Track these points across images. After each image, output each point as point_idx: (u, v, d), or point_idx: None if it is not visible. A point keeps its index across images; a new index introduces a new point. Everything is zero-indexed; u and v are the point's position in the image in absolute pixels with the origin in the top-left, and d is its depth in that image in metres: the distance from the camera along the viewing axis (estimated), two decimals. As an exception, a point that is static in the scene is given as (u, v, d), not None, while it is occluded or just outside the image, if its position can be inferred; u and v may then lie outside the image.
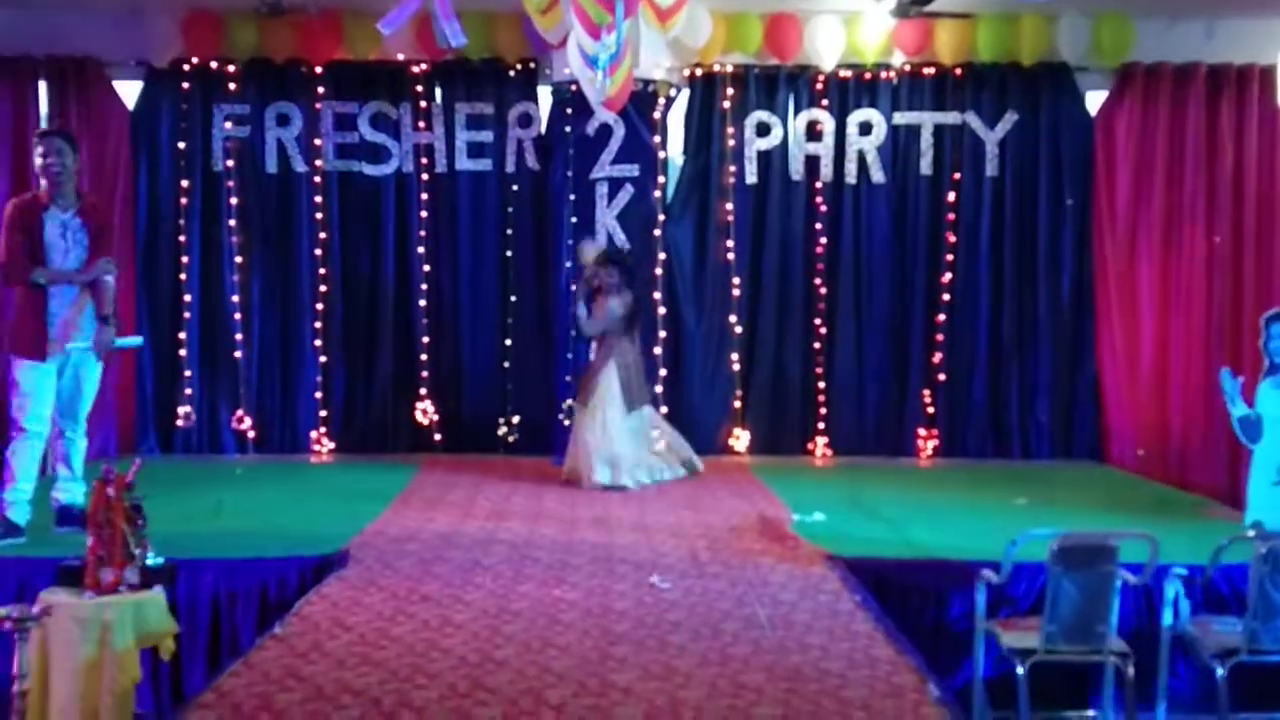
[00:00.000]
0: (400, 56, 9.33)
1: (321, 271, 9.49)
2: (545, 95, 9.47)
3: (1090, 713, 5.75)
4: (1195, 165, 9.31)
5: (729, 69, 9.42)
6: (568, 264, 9.05)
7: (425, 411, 9.53)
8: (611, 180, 9.17)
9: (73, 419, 6.59)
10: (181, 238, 9.40)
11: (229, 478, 8.50)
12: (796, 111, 9.50)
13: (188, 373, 9.41)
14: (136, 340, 7.40)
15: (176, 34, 9.16)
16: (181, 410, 9.39)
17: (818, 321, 9.54)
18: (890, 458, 9.49)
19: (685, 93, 9.51)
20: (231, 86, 9.37)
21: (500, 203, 9.51)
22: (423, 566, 5.91)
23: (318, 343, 9.51)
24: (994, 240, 9.50)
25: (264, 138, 9.43)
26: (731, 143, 9.45)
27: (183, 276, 9.41)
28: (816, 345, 9.56)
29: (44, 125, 9.14)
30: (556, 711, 4.07)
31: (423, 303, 9.52)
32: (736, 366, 9.53)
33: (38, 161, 6.44)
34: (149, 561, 5.13)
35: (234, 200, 9.41)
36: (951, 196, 9.47)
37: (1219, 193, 9.31)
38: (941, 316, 9.50)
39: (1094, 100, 9.49)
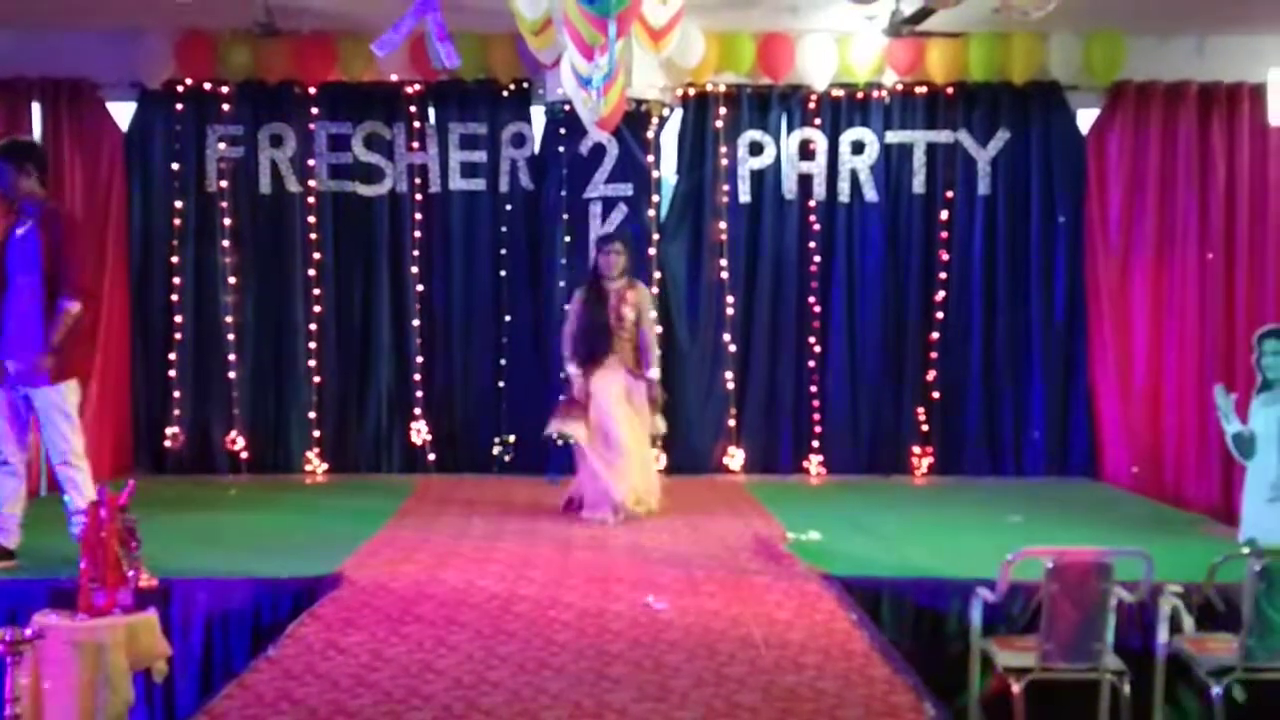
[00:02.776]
0: (394, 77, 9.33)
1: (315, 291, 9.48)
2: (539, 115, 9.48)
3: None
4: (1187, 183, 9.34)
5: (722, 88, 9.44)
6: (561, 283, 9.06)
7: (419, 431, 9.52)
8: (605, 200, 9.20)
9: (50, 450, 6.45)
10: (174, 258, 9.40)
11: (222, 498, 8.48)
12: (789, 131, 9.52)
13: (177, 394, 9.39)
14: None
15: (170, 55, 9.16)
16: (169, 431, 9.36)
17: (812, 340, 9.55)
18: (885, 476, 9.48)
19: (678, 112, 9.53)
20: (225, 107, 9.38)
21: (494, 222, 9.51)
22: (417, 587, 5.89)
23: (311, 363, 9.49)
24: (987, 258, 9.51)
25: (258, 158, 9.43)
26: (724, 162, 9.47)
27: (175, 297, 9.40)
28: (810, 364, 9.56)
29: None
30: (552, 732, 4.06)
31: (416, 322, 9.51)
32: (730, 385, 9.53)
33: None
34: (142, 583, 5.11)
35: (227, 221, 9.41)
36: (944, 215, 9.50)
37: (1211, 210, 9.34)
38: (935, 334, 9.52)
39: (1085, 118, 9.52)
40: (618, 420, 7.64)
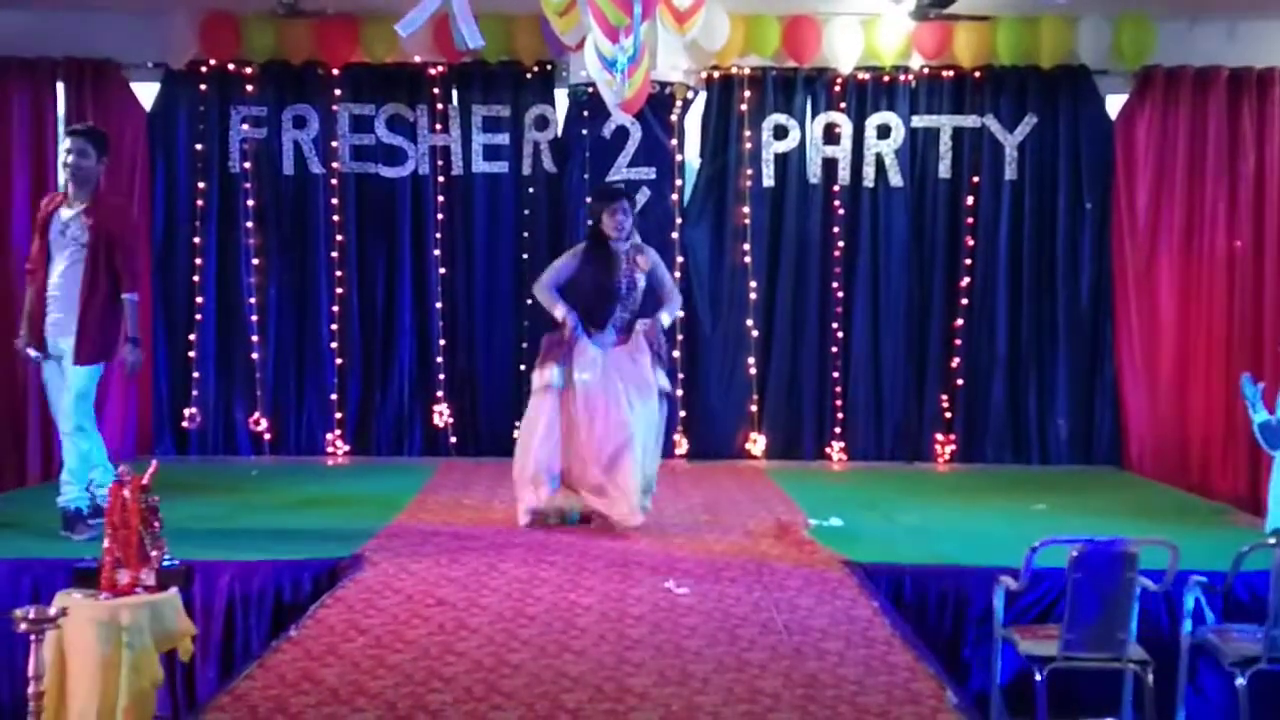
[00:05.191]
0: (417, 59, 9.33)
1: (338, 273, 9.49)
2: (562, 98, 9.46)
3: (1109, 721, 5.72)
4: (1216, 169, 9.24)
5: (746, 71, 9.39)
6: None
7: (441, 414, 9.53)
8: (628, 183, 9.13)
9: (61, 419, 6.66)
10: (197, 239, 9.42)
11: (244, 479, 8.50)
12: (814, 114, 9.46)
13: (197, 374, 9.42)
14: None
15: (194, 36, 9.17)
16: (188, 412, 9.40)
17: (835, 325, 9.50)
18: (907, 463, 9.45)
19: (702, 95, 9.49)
20: (248, 88, 9.38)
21: (516, 205, 9.50)
22: (438, 570, 5.90)
23: (334, 344, 9.51)
24: (1012, 244, 9.44)
25: (281, 139, 9.44)
26: (749, 145, 9.42)
27: (198, 278, 9.42)
28: (834, 349, 9.51)
29: (64, 125, 9.18)
30: (572, 716, 4.05)
31: (439, 305, 9.51)
32: (753, 370, 9.50)
33: (61, 158, 6.53)
34: (165, 563, 5.13)
35: (250, 202, 9.43)
36: (970, 200, 9.43)
37: (1240, 197, 9.24)
38: (959, 320, 9.46)
39: (1114, 103, 9.43)
40: (610, 405, 6.78)
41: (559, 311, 6.88)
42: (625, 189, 7.59)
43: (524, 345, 9.45)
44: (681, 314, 9.22)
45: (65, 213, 6.48)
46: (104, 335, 6.53)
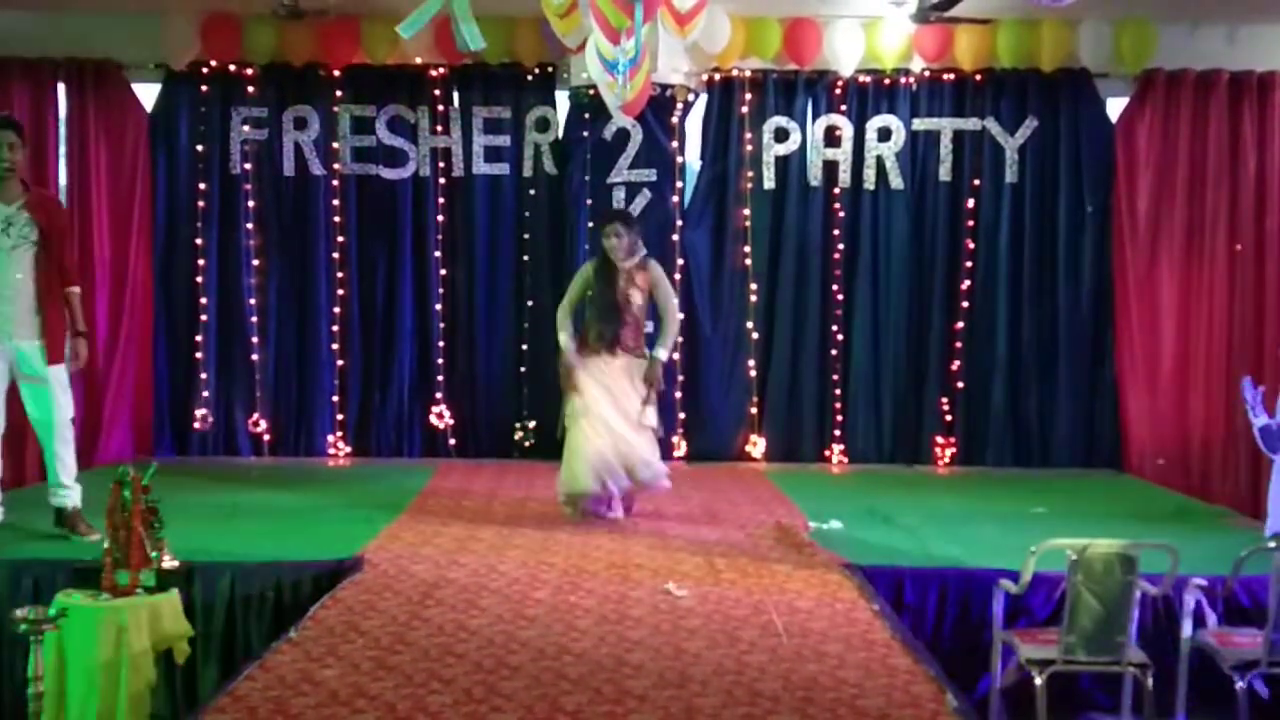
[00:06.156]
0: (418, 60, 9.33)
1: (338, 275, 9.50)
2: (563, 99, 9.46)
3: (1108, 723, 5.72)
4: (1217, 173, 9.23)
5: (747, 74, 9.39)
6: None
7: (441, 415, 9.53)
8: (629, 185, 9.18)
9: (51, 423, 6.53)
10: (199, 240, 9.42)
11: (244, 480, 8.50)
12: (815, 117, 9.46)
13: (204, 375, 9.43)
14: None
15: (195, 37, 9.17)
16: (199, 413, 9.41)
17: (835, 328, 9.49)
18: (907, 465, 9.45)
19: (703, 98, 9.49)
20: (250, 89, 9.38)
21: (517, 207, 9.50)
22: (438, 571, 5.90)
23: (334, 346, 9.52)
24: (1013, 247, 9.43)
25: (282, 141, 9.43)
26: (749, 148, 9.42)
27: (199, 279, 9.43)
28: (834, 352, 9.51)
29: (64, 125, 9.18)
30: (571, 717, 4.05)
31: (439, 306, 9.51)
32: (753, 373, 9.50)
33: None
34: (165, 564, 5.13)
35: (251, 203, 9.43)
36: (971, 203, 9.42)
37: (1241, 201, 9.23)
38: (960, 323, 9.45)
39: (1115, 107, 9.42)
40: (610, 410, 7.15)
41: (563, 339, 7.26)
42: (622, 212, 7.91)
43: (524, 347, 9.47)
44: (681, 315, 9.25)
45: (3, 208, 6.29)
46: (66, 329, 6.50)
